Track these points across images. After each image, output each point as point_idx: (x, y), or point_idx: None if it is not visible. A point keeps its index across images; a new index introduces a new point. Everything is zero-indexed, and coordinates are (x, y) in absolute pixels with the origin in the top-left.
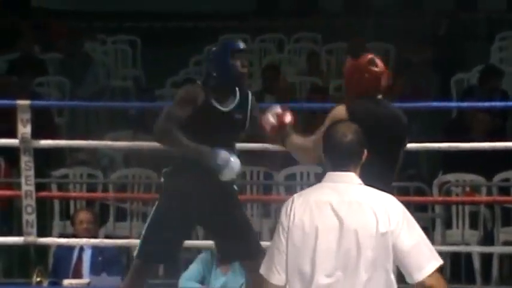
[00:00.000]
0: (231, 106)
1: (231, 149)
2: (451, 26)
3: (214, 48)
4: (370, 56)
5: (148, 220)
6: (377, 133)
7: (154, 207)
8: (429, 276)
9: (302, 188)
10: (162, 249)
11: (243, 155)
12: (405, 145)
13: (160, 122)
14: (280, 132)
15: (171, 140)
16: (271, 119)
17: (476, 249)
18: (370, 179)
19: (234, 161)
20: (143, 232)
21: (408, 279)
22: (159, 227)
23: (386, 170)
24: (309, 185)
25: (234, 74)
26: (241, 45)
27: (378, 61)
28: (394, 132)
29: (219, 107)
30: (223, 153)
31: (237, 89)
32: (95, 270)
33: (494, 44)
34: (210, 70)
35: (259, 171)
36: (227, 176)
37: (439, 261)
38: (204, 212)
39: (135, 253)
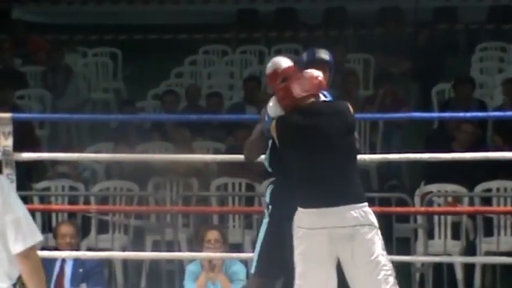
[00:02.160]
0: None
1: None
2: (431, 36)
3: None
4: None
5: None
6: (305, 138)
7: (264, 223)
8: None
9: None
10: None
11: (225, 166)
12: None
13: None
14: None
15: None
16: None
17: (458, 260)
18: None
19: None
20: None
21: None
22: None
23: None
24: None
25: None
26: (317, 55)
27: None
28: (331, 126)
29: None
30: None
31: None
32: (74, 282)
33: (474, 54)
34: None
35: (241, 182)
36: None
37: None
38: None
39: (251, 270)
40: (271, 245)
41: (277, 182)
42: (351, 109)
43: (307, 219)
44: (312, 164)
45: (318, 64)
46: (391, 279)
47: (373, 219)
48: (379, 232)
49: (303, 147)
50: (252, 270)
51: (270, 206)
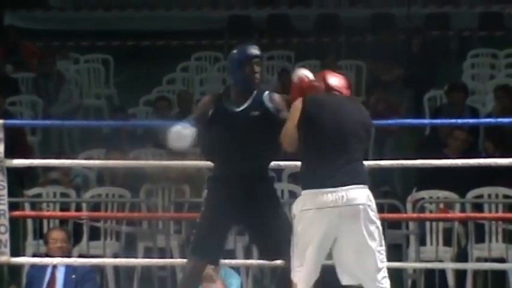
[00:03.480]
0: (244, 106)
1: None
2: (423, 43)
3: (231, 53)
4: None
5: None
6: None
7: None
8: None
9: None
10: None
11: None
12: None
13: None
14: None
15: None
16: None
17: (450, 266)
18: None
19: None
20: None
21: None
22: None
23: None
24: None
25: (246, 79)
26: (252, 51)
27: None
28: None
29: (232, 107)
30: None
31: (254, 92)
32: None
33: (466, 61)
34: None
35: None
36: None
37: None
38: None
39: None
40: (205, 230)
41: (214, 170)
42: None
43: (317, 199)
44: (332, 144)
45: (255, 59)
46: (384, 264)
47: (374, 205)
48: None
49: (329, 126)
50: (189, 251)
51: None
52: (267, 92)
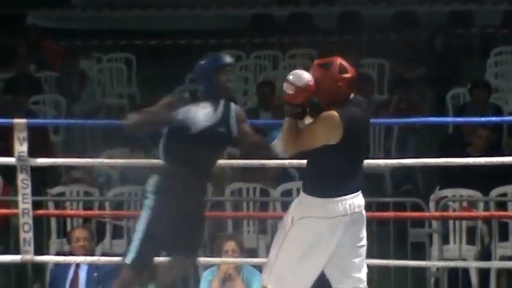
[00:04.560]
0: (214, 121)
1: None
2: (446, 41)
3: (201, 62)
4: (338, 62)
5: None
6: (366, 132)
7: (144, 216)
8: None
9: None
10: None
11: (239, 171)
12: None
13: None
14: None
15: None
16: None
17: (473, 265)
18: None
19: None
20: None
21: None
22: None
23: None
24: None
25: (218, 88)
26: (227, 60)
27: (347, 65)
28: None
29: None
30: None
31: (221, 102)
32: (90, 286)
33: (489, 59)
34: (197, 83)
35: (255, 187)
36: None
37: None
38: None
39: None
40: (152, 237)
41: (166, 173)
42: None
43: (342, 207)
44: (359, 154)
45: (228, 67)
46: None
47: None
48: None
49: (362, 139)
50: (128, 261)
51: (153, 197)
52: (233, 109)
